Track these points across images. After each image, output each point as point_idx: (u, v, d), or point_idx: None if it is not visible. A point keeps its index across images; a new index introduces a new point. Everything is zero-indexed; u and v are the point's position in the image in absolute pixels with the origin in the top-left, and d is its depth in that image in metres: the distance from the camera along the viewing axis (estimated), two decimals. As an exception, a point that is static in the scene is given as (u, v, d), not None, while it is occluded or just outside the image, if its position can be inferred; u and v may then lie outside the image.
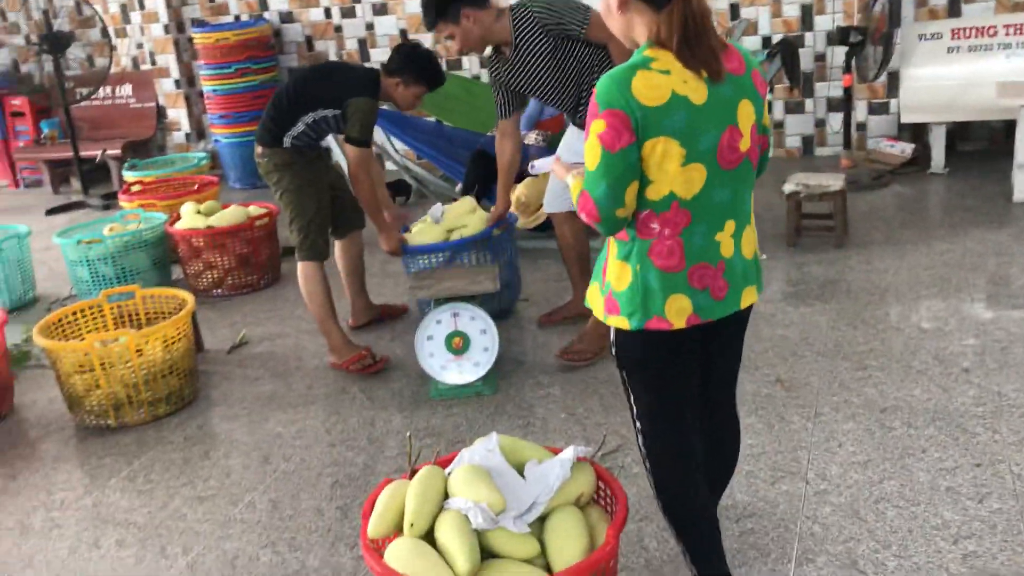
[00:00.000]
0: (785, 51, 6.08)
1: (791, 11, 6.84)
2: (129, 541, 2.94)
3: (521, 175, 5.75)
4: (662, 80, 1.96)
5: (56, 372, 3.76)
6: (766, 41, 6.92)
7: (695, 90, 1.97)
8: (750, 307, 2.22)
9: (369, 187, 3.95)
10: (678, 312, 2.09)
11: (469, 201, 4.51)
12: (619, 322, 2.14)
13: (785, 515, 2.71)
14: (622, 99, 1.94)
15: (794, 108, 7.08)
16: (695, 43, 1.98)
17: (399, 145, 6.77)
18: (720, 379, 2.36)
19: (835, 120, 6.90)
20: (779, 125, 7.19)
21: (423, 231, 4.30)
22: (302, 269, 4.03)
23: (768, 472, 2.94)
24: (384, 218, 4.14)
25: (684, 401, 2.23)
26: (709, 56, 1.99)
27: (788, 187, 5.09)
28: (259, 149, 4.00)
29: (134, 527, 3.02)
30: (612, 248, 2.16)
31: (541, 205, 5.47)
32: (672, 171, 1.99)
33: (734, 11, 6.91)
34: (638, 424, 2.26)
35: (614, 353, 2.24)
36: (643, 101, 1.94)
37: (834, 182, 5.02)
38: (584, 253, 4.14)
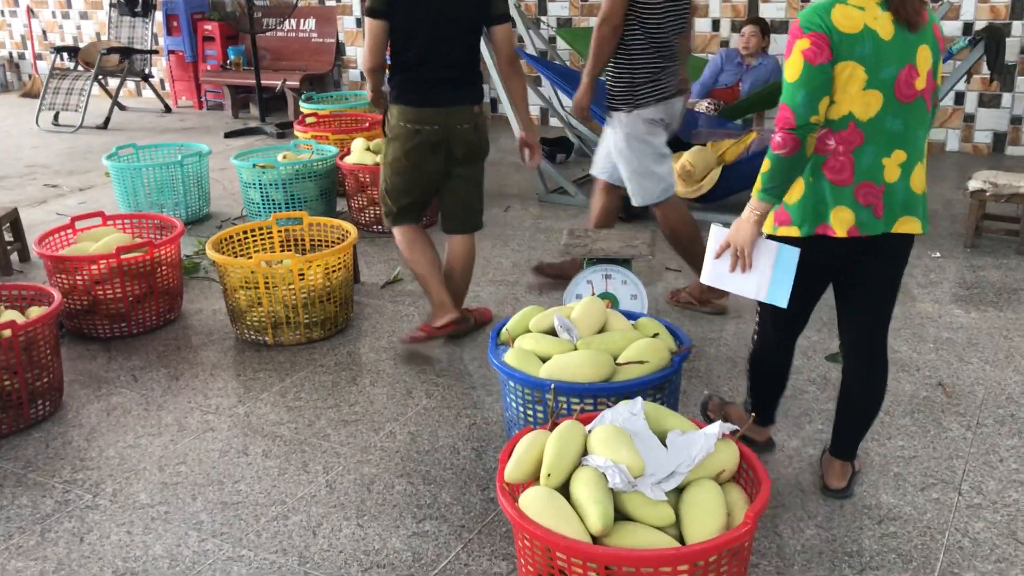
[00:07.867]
0: (990, 39, 5.67)
1: (1001, -3, 6.40)
2: (275, 452, 3.09)
3: (687, 143, 5.63)
4: (857, 13, 2.29)
5: (223, 285, 3.96)
6: (967, 27, 6.49)
7: (883, 27, 2.28)
8: (904, 243, 2.45)
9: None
10: (841, 222, 2.38)
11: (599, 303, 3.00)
12: (789, 231, 2.44)
13: (932, 524, 2.58)
14: (823, 24, 2.26)
15: (988, 101, 6.64)
16: None
17: (567, 101, 6.74)
18: (863, 308, 2.54)
19: (1034, 118, 6.43)
20: (970, 118, 6.75)
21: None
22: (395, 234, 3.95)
23: (919, 477, 2.80)
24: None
25: (803, 305, 2.59)
26: (918, 5, 2.29)
27: (973, 184, 4.78)
28: (475, 108, 3.65)
29: (281, 440, 3.16)
30: None
31: (707, 175, 5.36)
32: (853, 93, 2.29)
33: (936, -8, 6.52)
34: (758, 307, 2.70)
35: None
36: (840, 28, 2.26)
37: (1026, 184, 4.68)
38: (694, 235, 4.01)
